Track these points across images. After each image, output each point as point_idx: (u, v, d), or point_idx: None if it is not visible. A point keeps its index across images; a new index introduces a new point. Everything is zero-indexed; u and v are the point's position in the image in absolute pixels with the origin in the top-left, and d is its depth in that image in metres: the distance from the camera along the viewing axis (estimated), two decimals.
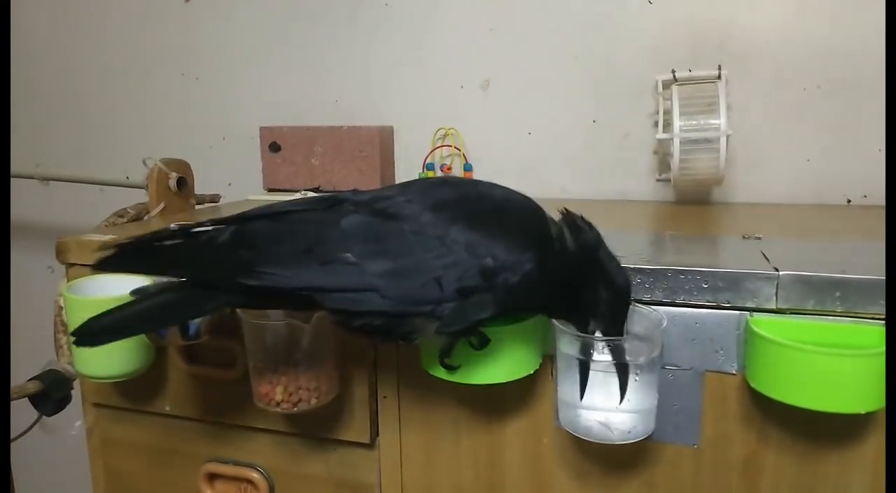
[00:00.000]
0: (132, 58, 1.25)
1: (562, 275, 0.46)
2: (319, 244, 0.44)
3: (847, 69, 0.91)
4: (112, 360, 0.64)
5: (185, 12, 1.20)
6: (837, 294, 0.48)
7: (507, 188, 0.50)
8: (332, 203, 0.47)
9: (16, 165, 1.03)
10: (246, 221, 0.46)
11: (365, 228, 0.44)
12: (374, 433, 0.63)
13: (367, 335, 0.58)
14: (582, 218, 0.49)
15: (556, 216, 0.50)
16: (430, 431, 0.61)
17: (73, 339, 0.45)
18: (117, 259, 0.45)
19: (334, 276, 0.43)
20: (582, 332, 0.49)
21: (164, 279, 0.63)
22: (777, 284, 0.49)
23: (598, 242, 0.48)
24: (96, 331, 0.45)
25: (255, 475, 0.67)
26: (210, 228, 0.46)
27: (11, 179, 1.04)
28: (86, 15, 1.26)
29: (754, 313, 0.50)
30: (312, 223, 0.45)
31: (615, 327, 0.48)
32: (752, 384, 0.49)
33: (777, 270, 0.49)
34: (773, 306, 0.49)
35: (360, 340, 0.61)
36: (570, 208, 0.50)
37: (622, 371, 0.48)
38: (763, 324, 0.48)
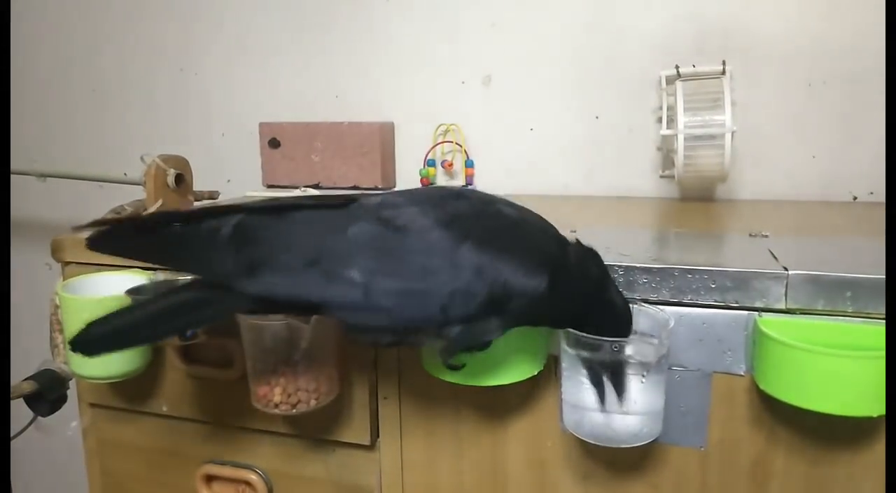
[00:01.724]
0: (130, 53, 1.24)
1: (570, 298, 0.45)
2: (325, 255, 0.42)
3: (853, 65, 0.90)
4: (109, 360, 0.63)
5: (184, 7, 1.19)
6: (848, 294, 0.47)
7: (523, 207, 0.48)
8: (342, 204, 0.45)
9: (12, 161, 1.02)
10: (251, 212, 0.43)
11: (372, 240, 0.42)
12: (375, 434, 0.62)
13: (375, 345, 0.58)
14: (590, 250, 0.48)
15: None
16: (431, 433, 0.60)
17: (69, 347, 0.42)
18: (111, 238, 0.42)
19: (339, 293, 0.42)
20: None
21: (160, 277, 0.62)
22: (786, 283, 0.48)
23: (604, 276, 0.47)
24: (95, 339, 0.42)
25: (253, 477, 0.66)
26: (213, 220, 0.43)
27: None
28: (84, 10, 1.25)
29: (763, 314, 0.49)
30: (320, 227, 0.43)
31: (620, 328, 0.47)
32: (761, 386, 0.48)
33: (786, 269, 0.48)
34: (782, 306, 0.48)
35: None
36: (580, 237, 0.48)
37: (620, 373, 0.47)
38: (772, 324, 0.47)
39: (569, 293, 0.45)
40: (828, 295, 0.47)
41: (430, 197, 0.46)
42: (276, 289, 0.41)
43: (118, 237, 0.42)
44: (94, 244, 0.41)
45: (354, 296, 0.42)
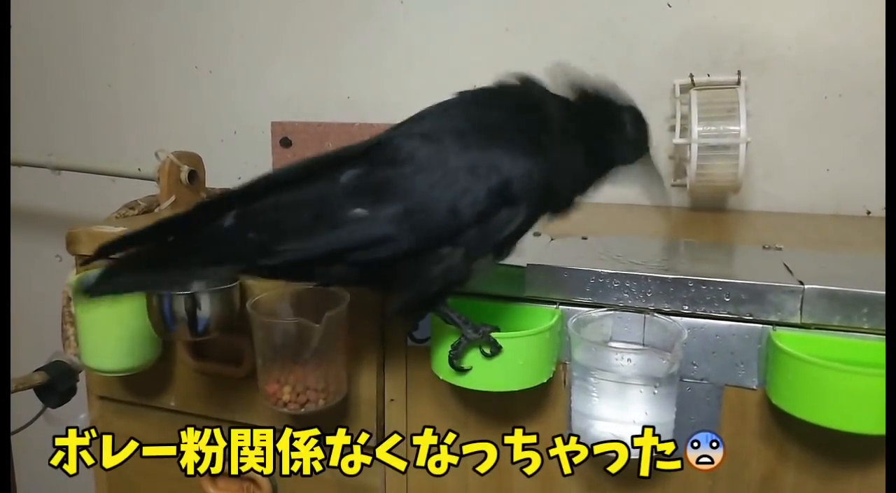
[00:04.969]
0: (146, 50, 1.24)
1: (573, 144, 0.46)
2: (327, 208, 0.43)
3: (869, 78, 0.89)
4: (119, 353, 0.63)
5: (200, 5, 1.19)
6: (865, 310, 0.47)
7: (492, 88, 0.50)
8: (331, 162, 0.46)
9: (28, 153, 1.03)
10: (249, 200, 0.45)
11: (366, 178, 0.44)
12: (381, 436, 0.62)
13: (413, 298, 0.52)
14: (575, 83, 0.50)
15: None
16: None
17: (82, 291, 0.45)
18: (125, 263, 0.45)
19: (350, 234, 0.43)
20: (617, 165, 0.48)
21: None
22: (802, 298, 0.48)
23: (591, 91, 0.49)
24: (102, 282, 0.45)
25: (258, 475, 0.66)
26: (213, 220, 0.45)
27: (23, 168, 1.04)
28: (99, 6, 1.26)
29: (777, 328, 0.49)
30: (315, 187, 0.45)
31: (640, 147, 0.48)
32: (774, 401, 0.48)
33: (802, 283, 0.48)
34: (797, 320, 0.48)
35: (372, 333, 0.60)
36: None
37: None
38: (786, 339, 0.47)
39: (567, 144, 0.45)
40: (844, 311, 0.47)
41: (410, 123, 0.47)
42: (290, 255, 0.43)
43: (129, 260, 0.45)
44: (112, 274, 0.44)
45: (364, 230, 0.43)
